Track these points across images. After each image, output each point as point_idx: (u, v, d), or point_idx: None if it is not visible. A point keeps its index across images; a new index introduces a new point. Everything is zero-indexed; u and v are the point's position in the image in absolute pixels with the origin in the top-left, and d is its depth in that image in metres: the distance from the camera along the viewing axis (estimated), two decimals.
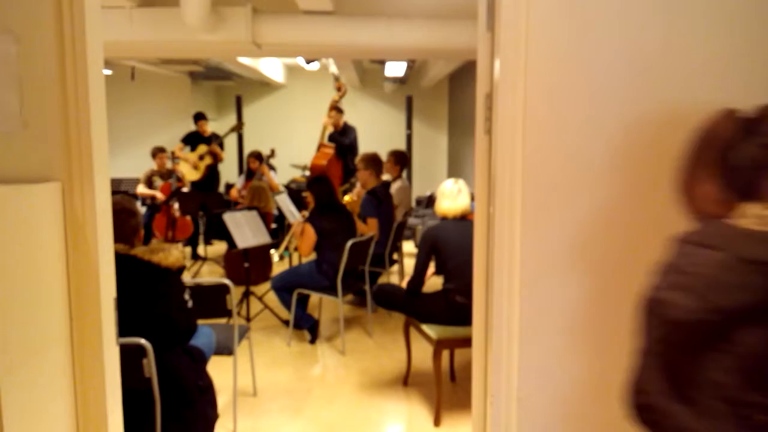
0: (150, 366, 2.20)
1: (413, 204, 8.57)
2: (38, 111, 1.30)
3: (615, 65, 1.34)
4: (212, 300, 3.04)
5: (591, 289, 1.40)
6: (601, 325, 1.40)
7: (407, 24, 4.22)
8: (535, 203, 1.38)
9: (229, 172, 9.08)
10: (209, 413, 2.48)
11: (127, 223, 2.28)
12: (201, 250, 7.32)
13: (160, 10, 3.83)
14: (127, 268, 2.25)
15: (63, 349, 1.35)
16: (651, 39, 1.33)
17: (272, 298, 4.70)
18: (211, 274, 6.57)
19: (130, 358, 2.18)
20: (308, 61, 6.43)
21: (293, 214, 5.06)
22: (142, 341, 2.16)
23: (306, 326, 4.46)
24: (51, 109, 1.30)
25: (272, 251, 4.75)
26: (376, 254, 4.82)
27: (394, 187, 5.42)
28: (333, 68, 7.84)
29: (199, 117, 7.42)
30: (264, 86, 9.81)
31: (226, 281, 3.01)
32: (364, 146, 6.65)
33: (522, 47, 1.36)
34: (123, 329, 2.17)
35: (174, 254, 2.32)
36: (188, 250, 7.35)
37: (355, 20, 4.11)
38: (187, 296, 2.42)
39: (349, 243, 4.08)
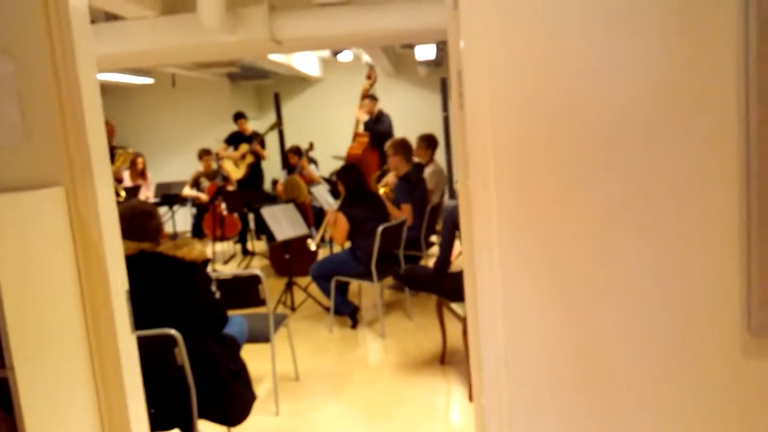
0: (181, 354, 2.34)
1: (455, 185, 8.55)
2: (38, 123, 1.42)
3: (582, 36, 1.35)
4: (246, 290, 3.18)
5: (567, 259, 1.42)
6: (579, 292, 1.43)
7: (424, 7, 4.22)
8: (508, 177, 1.41)
9: (273, 169, 9.30)
10: (245, 395, 2.62)
11: (148, 223, 2.42)
12: (252, 245, 7.56)
13: (181, 16, 3.99)
14: (155, 264, 2.40)
15: (78, 340, 1.48)
16: (621, 7, 1.34)
17: (316, 288, 4.84)
18: (261, 268, 6.79)
19: (162, 348, 2.33)
20: (335, 53, 6.51)
21: (329, 204, 5.18)
22: (172, 331, 2.30)
23: (346, 312, 4.57)
24: (50, 120, 1.43)
25: (308, 241, 4.89)
26: (412, 238, 4.89)
27: (428, 172, 5.45)
28: (366, 57, 7.90)
29: (238, 116, 7.64)
30: (301, 81, 9.96)
31: (258, 272, 3.14)
32: (403, 131, 6.68)
33: (484, 25, 1.38)
34: (155, 321, 2.34)
35: (197, 248, 2.46)
36: (238, 246, 7.63)
37: (371, 8, 4.15)
38: (214, 288, 2.55)
39: (381, 228, 4.15)
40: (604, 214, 1.40)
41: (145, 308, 2.17)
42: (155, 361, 2.22)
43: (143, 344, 1.86)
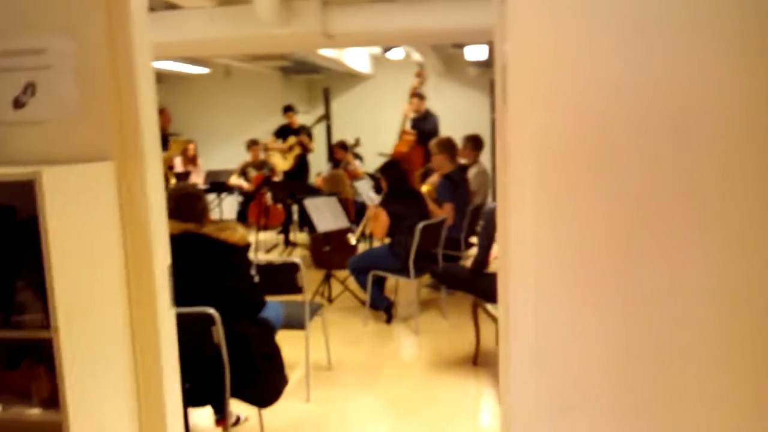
0: (218, 333, 2.41)
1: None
2: (94, 99, 1.50)
3: (624, 33, 1.34)
4: (283, 278, 3.25)
5: (603, 260, 1.40)
6: (612, 294, 1.41)
7: (476, 6, 4.21)
8: (546, 175, 1.40)
9: (319, 162, 9.41)
10: (276, 377, 2.67)
11: (194, 205, 2.50)
12: (294, 236, 7.67)
13: (236, 7, 4.11)
14: (198, 245, 2.48)
15: (120, 309, 1.55)
16: (675, 5, 1.32)
17: (354, 282, 4.88)
18: (302, 259, 6.88)
19: (201, 326, 2.41)
20: (386, 50, 6.54)
21: (371, 199, 5.22)
22: (210, 310, 2.37)
23: (382, 307, 4.60)
24: (104, 98, 1.50)
25: (349, 235, 4.94)
26: (452, 238, 4.88)
27: (472, 173, 5.42)
28: (416, 56, 7.91)
29: (287, 109, 7.78)
30: (352, 78, 10.04)
31: (296, 260, 3.20)
32: (450, 131, 6.65)
33: (531, 19, 1.38)
34: (195, 299, 2.41)
35: (239, 232, 2.53)
36: (281, 237, 7.75)
37: (423, 5, 4.16)
38: (253, 272, 2.62)
39: (420, 225, 4.16)
40: (642, 215, 1.37)
41: (186, 287, 2.23)
42: (193, 338, 2.28)
43: (182, 321, 1.92)
